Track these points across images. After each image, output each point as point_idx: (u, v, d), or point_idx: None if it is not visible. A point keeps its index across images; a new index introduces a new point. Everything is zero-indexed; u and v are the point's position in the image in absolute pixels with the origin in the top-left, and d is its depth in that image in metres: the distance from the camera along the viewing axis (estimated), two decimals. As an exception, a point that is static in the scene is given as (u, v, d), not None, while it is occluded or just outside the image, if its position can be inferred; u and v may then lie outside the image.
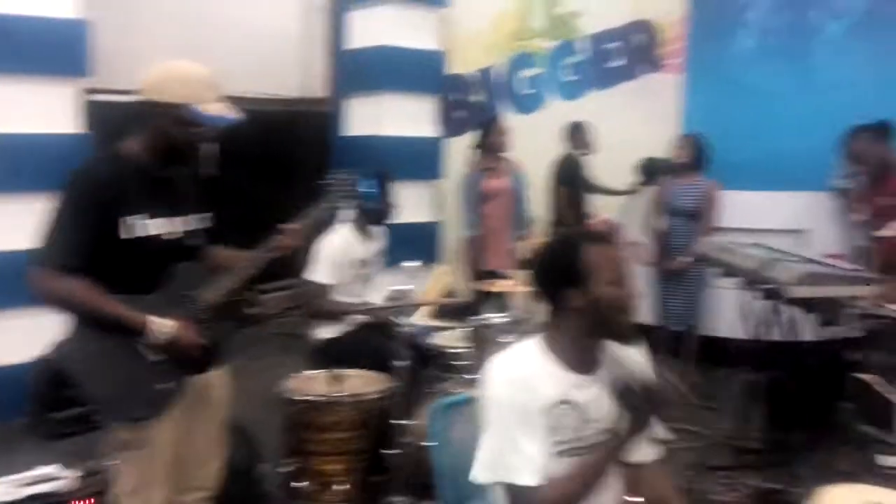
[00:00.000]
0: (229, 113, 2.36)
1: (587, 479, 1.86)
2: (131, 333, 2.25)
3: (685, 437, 4.33)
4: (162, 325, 2.25)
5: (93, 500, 3.00)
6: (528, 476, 1.82)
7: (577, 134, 6.03)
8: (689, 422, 4.40)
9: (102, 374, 2.27)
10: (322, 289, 3.77)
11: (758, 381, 4.12)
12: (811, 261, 3.90)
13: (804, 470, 3.71)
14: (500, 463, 1.85)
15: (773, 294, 3.76)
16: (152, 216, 2.30)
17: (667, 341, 5.45)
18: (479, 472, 1.90)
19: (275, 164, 6.75)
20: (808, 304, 3.69)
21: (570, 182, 5.91)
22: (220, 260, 2.53)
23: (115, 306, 2.23)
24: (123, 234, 2.25)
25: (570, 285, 1.90)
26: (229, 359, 2.61)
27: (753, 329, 4.12)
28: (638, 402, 1.78)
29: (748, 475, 3.82)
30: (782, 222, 5.76)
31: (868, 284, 3.54)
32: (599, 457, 1.85)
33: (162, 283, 2.33)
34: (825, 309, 3.56)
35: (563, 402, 1.90)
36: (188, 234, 2.41)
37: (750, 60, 7.37)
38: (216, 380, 2.55)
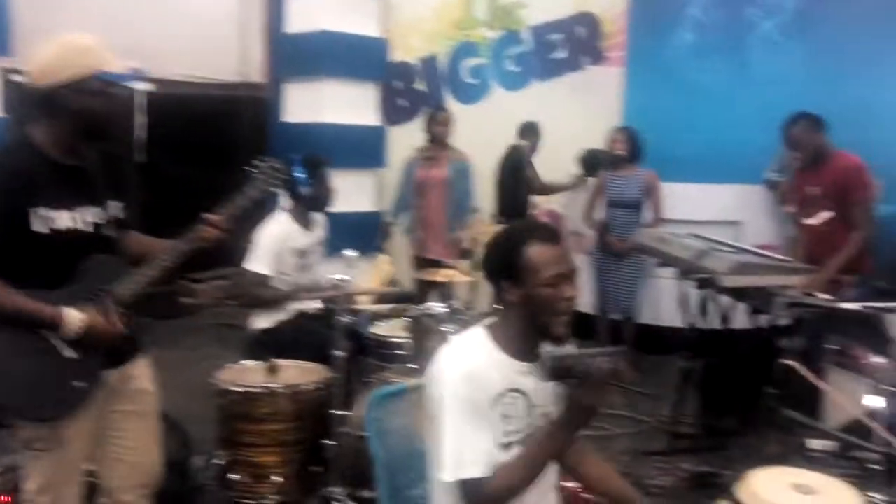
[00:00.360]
0: (137, 68, 2.27)
1: (534, 465, 1.86)
2: (44, 328, 2.15)
3: (622, 423, 4.40)
4: (75, 318, 2.15)
5: (10, 498, 2.88)
6: (481, 469, 1.83)
7: (526, 133, 6.01)
8: (627, 408, 4.47)
9: (9, 374, 2.15)
10: (260, 278, 3.70)
11: (692, 368, 4.20)
12: (744, 251, 3.99)
13: (736, 453, 3.81)
14: (457, 458, 1.84)
15: (707, 283, 3.83)
16: (65, 207, 2.19)
17: (606, 329, 5.53)
18: (445, 473, 1.86)
19: (209, 150, 6.56)
20: (739, 293, 3.78)
21: (516, 173, 5.92)
22: (141, 248, 2.42)
23: (26, 302, 2.12)
24: (35, 227, 2.13)
25: (508, 278, 1.92)
26: (150, 350, 2.53)
27: (689, 317, 4.20)
28: (585, 391, 1.76)
29: (683, 459, 3.90)
30: (718, 214, 5.88)
31: (796, 274, 3.64)
32: (544, 442, 1.85)
33: (76, 277, 2.22)
34: (756, 298, 3.65)
35: (511, 390, 1.91)
36: (103, 224, 2.30)
37: (688, 55, 7.51)
38: (137, 371, 2.45)
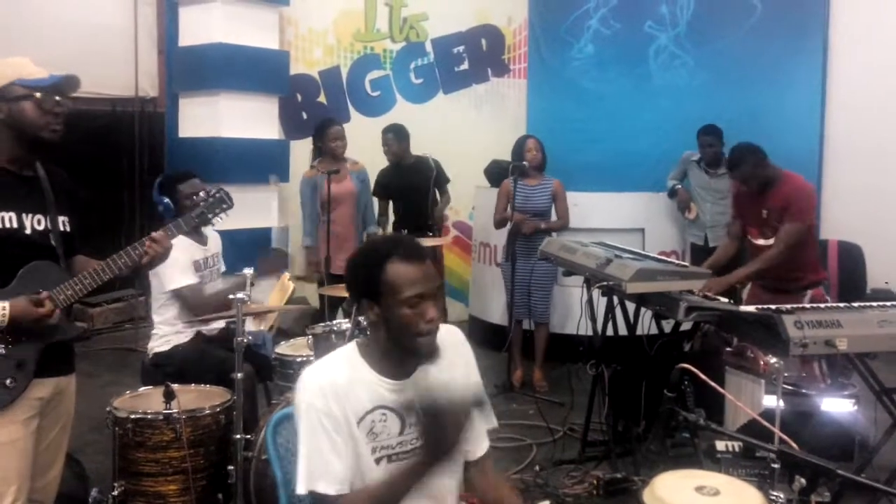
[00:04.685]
0: (57, 72, 2.34)
1: (389, 499, 1.83)
2: None
3: (535, 433, 4.41)
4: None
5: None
6: (329, 485, 1.81)
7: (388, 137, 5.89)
8: (539, 418, 4.48)
9: None
10: (195, 288, 3.60)
11: (601, 375, 4.24)
12: (646, 257, 4.06)
13: (646, 458, 3.85)
14: (308, 471, 1.82)
15: (611, 290, 3.88)
16: (14, 210, 2.29)
17: (518, 339, 5.53)
18: (300, 485, 1.84)
19: (102, 168, 6.28)
20: (643, 299, 3.84)
21: (386, 195, 5.83)
22: (79, 266, 2.48)
23: None
24: None
25: (368, 296, 1.87)
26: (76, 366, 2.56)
27: (597, 325, 4.24)
28: (438, 428, 1.71)
29: (595, 467, 3.92)
30: (622, 221, 6.00)
31: (697, 279, 3.72)
32: (403, 477, 1.82)
33: (18, 279, 2.27)
34: (658, 303, 3.71)
35: (379, 407, 1.88)
36: (50, 232, 2.37)
37: (589, 67, 7.69)
38: (69, 385, 2.52)
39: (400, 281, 1.82)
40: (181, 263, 3.55)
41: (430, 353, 1.88)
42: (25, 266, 2.28)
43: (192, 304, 3.62)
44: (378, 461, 1.89)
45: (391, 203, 5.84)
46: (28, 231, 2.31)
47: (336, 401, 1.82)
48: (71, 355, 2.52)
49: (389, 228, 5.74)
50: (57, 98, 2.31)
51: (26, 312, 2.21)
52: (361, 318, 3.61)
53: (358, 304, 1.91)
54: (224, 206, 2.64)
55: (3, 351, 2.24)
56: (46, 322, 2.25)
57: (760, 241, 4.33)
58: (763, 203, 4.29)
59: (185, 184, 3.66)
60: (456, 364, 2.02)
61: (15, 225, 2.28)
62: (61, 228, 2.41)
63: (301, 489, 1.83)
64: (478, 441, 2.05)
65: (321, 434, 1.81)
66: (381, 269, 1.83)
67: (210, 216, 2.62)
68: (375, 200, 5.78)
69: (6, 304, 2.19)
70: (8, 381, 2.24)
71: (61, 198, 2.43)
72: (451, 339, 2.03)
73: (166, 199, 3.58)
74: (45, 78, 2.31)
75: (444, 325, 1.97)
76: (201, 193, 2.65)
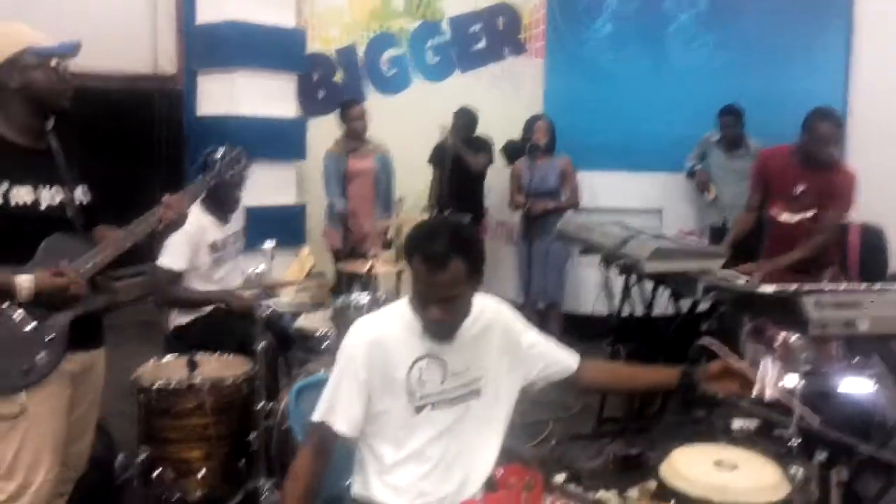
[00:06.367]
0: (66, 40, 2.32)
1: None
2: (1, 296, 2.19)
3: (552, 409, 4.44)
4: (24, 279, 2.18)
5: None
6: (344, 426, 1.99)
7: (456, 119, 5.93)
8: (555, 394, 4.49)
9: None
10: (173, 275, 3.56)
11: (618, 353, 4.26)
12: (664, 237, 4.06)
13: (661, 435, 3.87)
14: (329, 405, 2.02)
15: (629, 269, 3.89)
16: (30, 184, 2.27)
17: (532, 318, 5.54)
18: (316, 413, 2.05)
19: (120, 146, 6.30)
20: (660, 279, 3.85)
21: (441, 166, 5.85)
22: (99, 237, 2.46)
23: None
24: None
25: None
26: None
27: (613, 304, 4.26)
28: None
29: (611, 442, 3.95)
30: (640, 202, 5.98)
31: (715, 258, 3.71)
32: None
33: (38, 255, 2.26)
34: (676, 282, 3.71)
35: (426, 356, 2.04)
36: (67, 205, 2.35)
37: (607, 46, 7.62)
38: (98, 360, 2.53)
39: (414, 275, 1.98)
40: (178, 243, 3.43)
41: (435, 337, 2.04)
42: (46, 239, 2.26)
43: (159, 287, 3.59)
44: (420, 409, 2.04)
45: (441, 178, 5.81)
46: (43, 207, 2.29)
47: (380, 352, 2.01)
48: (100, 329, 2.51)
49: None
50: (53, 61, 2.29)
51: (50, 283, 2.19)
52: (379, 294, 3.66)
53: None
54: (239, 165, 2.61)
55: (35, 325, 2.22)
56: (72, 292, 2.23)
57: (785, 217, 4.13)
58: (802, 178, 4.06)
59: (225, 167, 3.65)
60: (494, 337, 2.17)
61: (30, 201, 2.26)
62: (78, 201, 2.38)
63: (317, 417, 2.03)
64: (561, 362, 2.32)
65: (352, 380, 2.00)
66: (410, 255, 1.99)
67: (227, 175, 2.58)
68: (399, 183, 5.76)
69: (31, 276, 2.18)
70: (39, 357, 2.23)
71: (76, 169, 2.41)
72: (491, 311, 2.19)
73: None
74: (56, 46, 2.29)
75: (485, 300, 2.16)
76: (217, 154, 2.61)
